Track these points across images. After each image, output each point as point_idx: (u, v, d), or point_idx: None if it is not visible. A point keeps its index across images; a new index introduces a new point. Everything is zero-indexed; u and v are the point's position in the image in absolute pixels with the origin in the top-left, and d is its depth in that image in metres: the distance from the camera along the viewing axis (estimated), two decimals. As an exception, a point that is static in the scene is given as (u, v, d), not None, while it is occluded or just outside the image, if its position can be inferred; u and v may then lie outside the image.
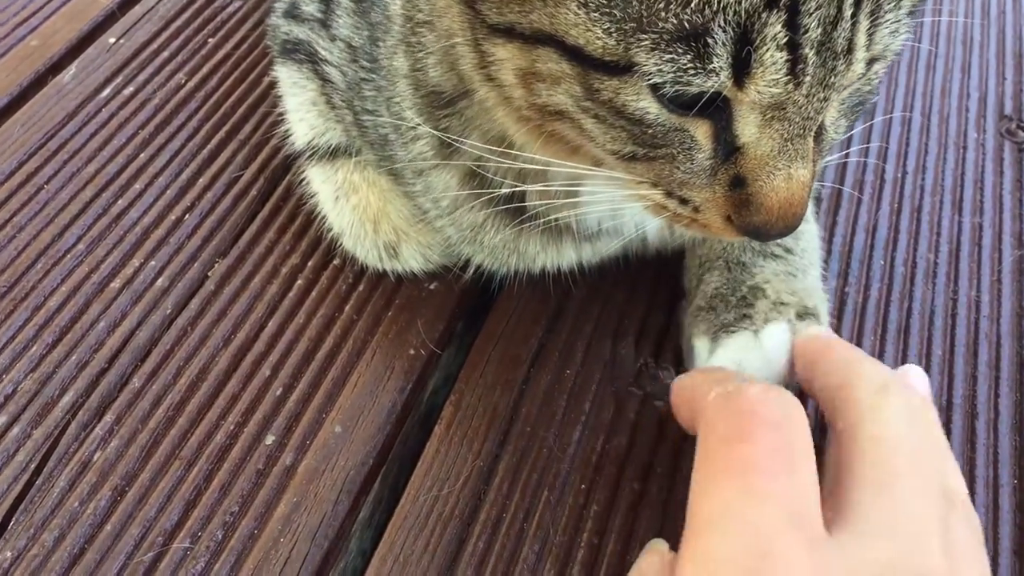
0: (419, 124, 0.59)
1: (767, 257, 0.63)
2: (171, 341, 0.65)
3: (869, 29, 0.42)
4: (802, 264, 0.65)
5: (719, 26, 0.39)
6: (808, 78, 0.41)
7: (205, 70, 0.85)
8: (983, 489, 0.60)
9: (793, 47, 0.40)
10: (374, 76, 0.64)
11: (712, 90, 0.41)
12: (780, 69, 0.40)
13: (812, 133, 0.44)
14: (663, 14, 0.40)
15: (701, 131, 0.45)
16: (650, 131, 0.45)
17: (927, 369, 0.66)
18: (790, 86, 0.41)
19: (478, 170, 0.59)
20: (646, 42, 0.40)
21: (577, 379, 0.64)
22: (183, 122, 0.80)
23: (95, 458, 0.59)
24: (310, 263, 0.70)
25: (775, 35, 0.39)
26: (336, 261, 0.70)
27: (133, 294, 0.67)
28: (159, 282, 0.68)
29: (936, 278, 0.72)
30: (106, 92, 0.82)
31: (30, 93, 0.82)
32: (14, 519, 0.56)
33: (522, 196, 0.59)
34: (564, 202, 0.56)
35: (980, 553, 0.46)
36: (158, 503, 0.57)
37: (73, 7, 0.90)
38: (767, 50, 0.40)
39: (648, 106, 0.43)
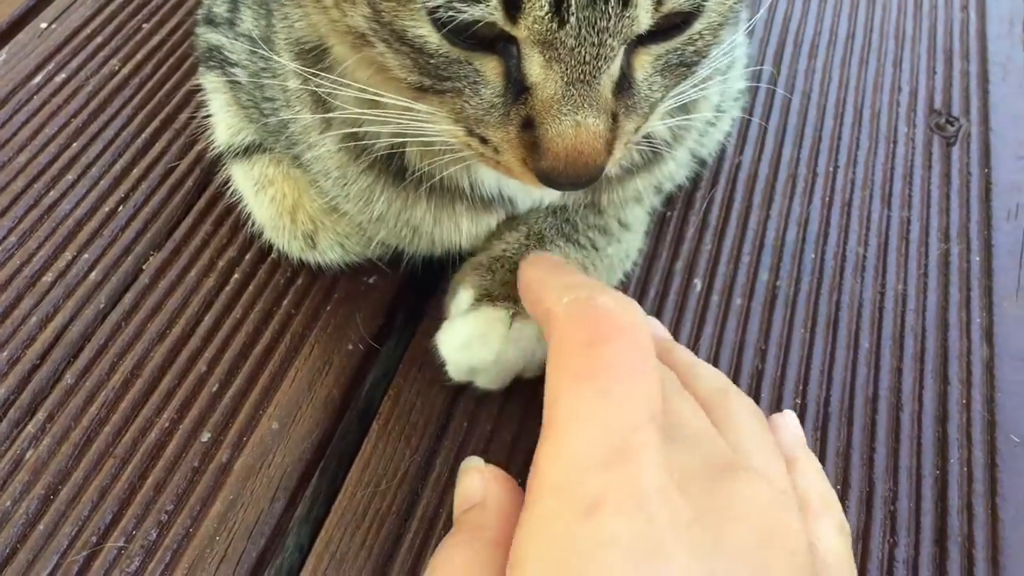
0: (297, 89, 0.59)
1: (570, 242, 0.64)
2: (105, 336, 0.64)
3: None
4: (602, 266, 0.66)
5: None
6: (573, 19, 0.41)
7: (139, 56, 0.83)
8: (906, 479, 0.62)
9: None
10: (269, 62, 0.63)
11: (484, 20, 0.41)
12: (543, 6, 0.40)
13: (598, 81, 0.44)
14: None
15: (489, 67, 0.45)
16: (433, 61, 0.45)
17: (854, 362, 0.68)
18: (554, 24, 0.41)
19: (354, 130, 0.58)
20: None
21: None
22: (117, 110, 0.79)
23: (27, 456, 0.58)
24: (247, 256, 0.70)
25: None
26: (274, 255, 0.70)
27: (66, 288, 0.67)
28: (92, 275, 0.67)
29: (865, 271, 0.73)
30: (38, 79, 0.80)
31: (-42, 79, 0.80)
32: (-57, 520, 0.56)
33: (403, 155, 0.58)
34: (448, 158, 0.55)
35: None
36: (92, 502, 0.57)
37: (2, -11, 0.88)
38: None
39: (427, 34, 0.43)
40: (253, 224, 0.70)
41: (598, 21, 0.41)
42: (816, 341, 0.69)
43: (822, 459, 0.62)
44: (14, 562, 0.54)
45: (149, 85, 0.81)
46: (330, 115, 0.58)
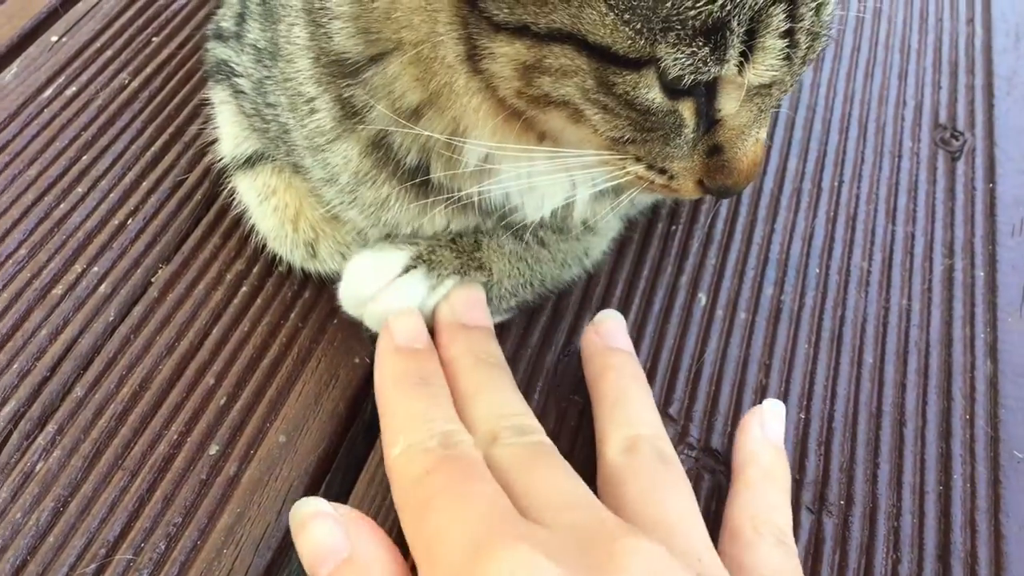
0: (318, 96, 0.60)
1: (515, 235, 0.66)
2: (114, 349, 0.65)
3: (831, 10, 0.48)
4: (549, 260, 0.68)
5: (736, 19, 0.43)
6: (799, 59, 0.47)
7: (149, 70, 0.84)
8: (909, 495, 0.63)
9: (789, 33, 0.45)
10: (274, 71, 0.65)
11: (719, 77, 0.46)
12: (779, 55, 0.46)
13: (774, 104, 0.51)
14: (691, 12, 0.43)
15: (687, 109, 0.49)
16: (653, 117, 0.49)
17: (857, 377, 0.68)
18: (784, 68, 0.47)
19: (382, 141, 0.60)
20: (671, 38, 0.44)
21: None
22: (127, 123, 0.79)
23: (37, 468, 0.59)
24: (255, 269, 0.70)
25: (778, 24, 0.45)
26: (281, 267, 0.70)
27: (75, 301, 0.67)
28: (102, 288, 0.68)
29: (869, 286, 0.74)
30: (48, 92, 0.81)
31: (-31, 93, 0.81)
32: (-45, 531, 0.56)
33: (427, 169, 0.60)
34: (472, 174, 0.59)
35: None
36: (101, 514, 0.57)
37: (13, 4, 0.89)
38: (770, 38, 0.45)
39: (656, 96, 0.47)
40: (257, 235, 0.70)
41: (807, 55, 0.48)
42: (820, 356, 0.69)
43: (825, 474, 0.63)
44: (24, 573, 0.55)
45: (158, 99, 0.82)
46: (360, 120, 0.59)
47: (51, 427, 0.61)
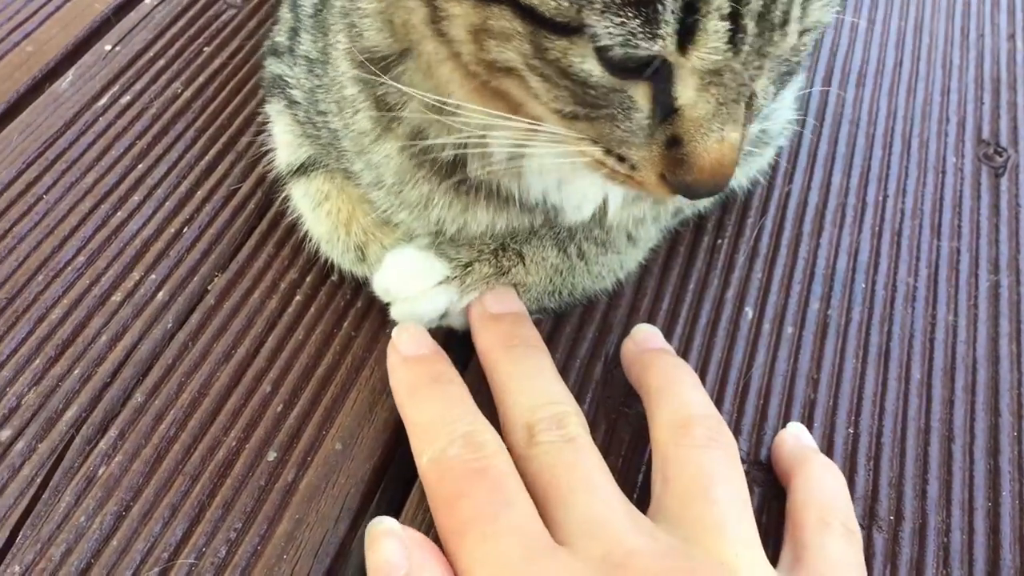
0: (358, 96, 0.62)
1: (558, 246, 0.67)
2: (172, 356, 0.66)
3: (803, 2, 0.44)
4: (586, 273, 0.69)
5: None
6: (746, 47, 0.44)
7: (201, 79, 0.85)
8: (958, 511, 0.63)
9: (735, 17, 0.42)
10: (324, 79, 0.67)
11: (657, 55, 0.44)
12: (722, 38, 0.43)
13: (746, 99, 0.47)
14: None
15: (640, 93, 0.47)
16: (593, 92, 0.47)
17: (905, 393, 0.69)
18: (729, 54, 0.43)
19: (418, 137, 0.61)
20: (597, 5, 0.43)
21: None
22: (180, 132, 0.81)
23: (100, 473, 0.60)
24: (308, 278, 0.72)
25: (719, 5, 0.42)
26: (334, 277, 0.71)
27: (134, 308, 0.68)
28: (160, 296, 0.69)
29: (915, 302, 0.74)
30: (103, 100, 0.82)
31: (27, 100, 0.82)
32: (21, 533, 0.57)
33: (464, 164, 0.61)
34: (507, 166, 0.59)
35: None
36: (163, 518, 0.59)
37: (68, 12, 0.91)
38: (711, 19, 0.42)
39: (592, 68, 0.45)
40: (310, 240, 0.72)
41: (763, 47, 0.44)
42: (868, 371, 0.70)
43: (875, 490, 0.63)
44: (88, 576, 0.56)
45: (211, 108, 0.83)
46: (395, 116, 0.60)
47: (112, 432, 0.62)
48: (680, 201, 0.68)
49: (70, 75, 0.84)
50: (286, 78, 0.73)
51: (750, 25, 0.43)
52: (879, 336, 0.72)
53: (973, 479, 0.65)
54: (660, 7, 0.41)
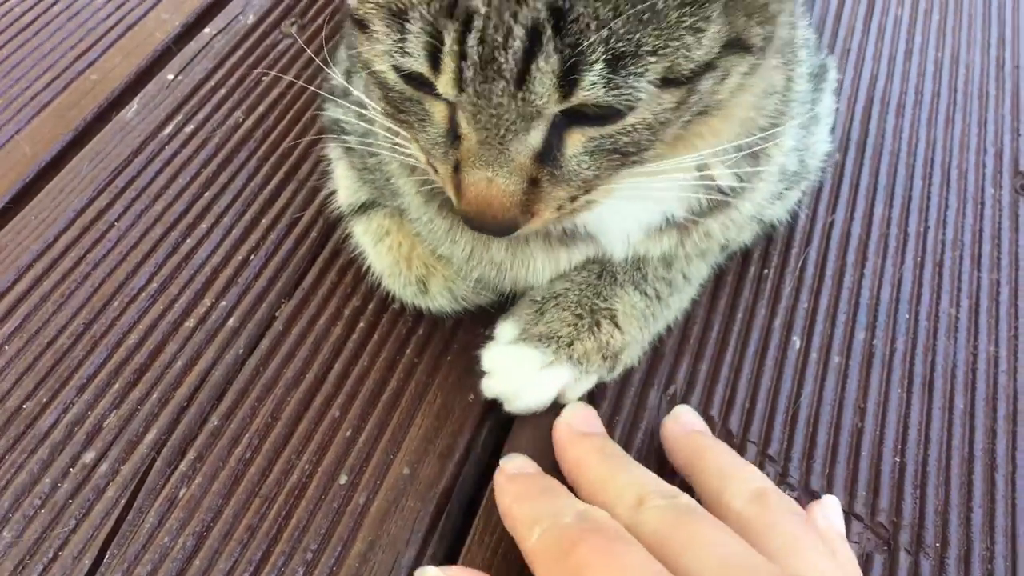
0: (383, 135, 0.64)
1: (638, 290, 0.69)
2: (245, 381, 0.69)
3: (561, 74, 0.44)
4: (662, 316, 0.71)
5: (415, 16, 0.44)
6: (470, 89, 0.46)
7: (261, 109, 0.88)
8: (1002, 539, 0.65)
9: (463, 57, 0.45)
10: (373, 124, 0.69)
11: (415, 72, 0.47)
12: (451, 76, 0.46)
13: (507, 147, 0.48)
14: None
15: (437, 109, 0.50)
16: (392, 94, 0.51)
17: (949, 423, 0.71)
18: (456, 92, 0.46)
19: (416, 173, 0.64)
20: (371, 7, 0.46)
21: (624, 426, 0.68)
22: (244, 161, 0.83)
23: (181, 494, 0.63)
24: (370, 305, 0.74)
25: (451, 44, 0.44)
26: (395, 304, 0.74)
27: (207, 333, 0.71)
28: (230, 322, 0.72)
29: (957, 332, 0.77)
30: (168, 129, 0.85)
31: (94, 129, 0.85)
32: (109, 552, 0.60)
33: None
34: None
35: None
36: (242, 540, 0.61)
37: (129, 41, 0.94)
38: (446, 54, 0.45)
39: (387, 71, 0.49)
40: (372, 274, 0.74)
41: (492, 97, 0.46)
42: (913, 401, 0.72)
43: (921, 517, 0.66)
44: (173, 595, 0.59)
45: (272, 137, 0.86)
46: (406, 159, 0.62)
47: (191, 455, 0.65)
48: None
49: (135, 104, 0.88)
50: (341, 122, 0.76)
51: (469, 74, 0.45)
52: (923, 366, 0.74)
53: (1016, 507, 0.67)
54: (410, 27, 0.45)
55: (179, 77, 0.90)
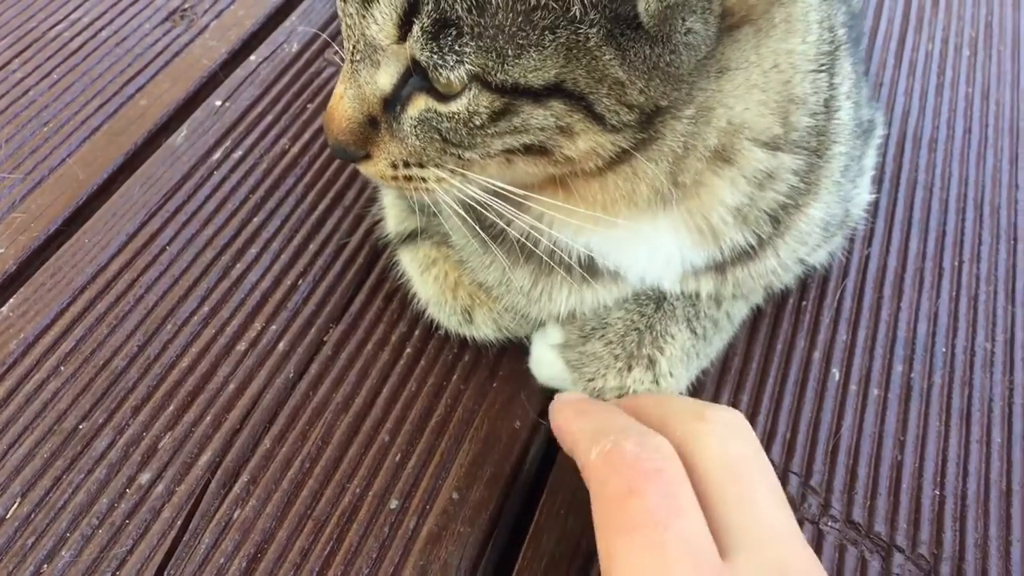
0: None
1: (690, 327, 0.70)
2: (295, 404, 0.70)
3: (400, 13, 0.49)
4: (704, 354, 0.73)
5: None
6: None
7: (307, 136, 0.90)
8: (1043, 573, 0.66)
9: None
10: None
11: None
12: None
13: (358, 71, 0.54)
14: None
15: None
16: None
17: (987, 456, 0.72)
18: None
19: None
20: None
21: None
22: (290, 187, 0.85)
23: (235, 516, 0.64)
24: (417, 332, 0.76)
25: None
26: (440, 331, 0.75)
27: (258, 357, 0.73)
28: (280, 346, 0.73)
29: (993, 367, 0.78)
30: (217, 155, 0.87)
31: (144, 153, 0.87)
32: (166, 573, 0.61)
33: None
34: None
35: None
36: (295, 563, 0.62)
37: (177, 67, 0.96)
38: None
39: None
40: (418, 301, 0.76)
41: (348, 4, 0.52)
42: (951, 434, 0.73)
43: (961, 551, 0.67)
44: (229, 615, 0.60)
45: (317, 164, 0.87)
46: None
47: (245, 477, 0.66)
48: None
49: (184, 129, 0.89)
50: None
51: None
52: (960, 400, 0.75)
53: (1055, 542, 0.68)
54: None
55: (226, 103, 0.92)
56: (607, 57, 0.49)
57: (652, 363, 0.69)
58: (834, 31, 0.64)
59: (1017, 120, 1.01)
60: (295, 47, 0.98)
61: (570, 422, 0.61)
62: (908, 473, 0.70)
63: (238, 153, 0.88)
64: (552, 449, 0.70)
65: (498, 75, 0.49)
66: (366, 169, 0.58)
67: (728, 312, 0.73)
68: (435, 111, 0.53)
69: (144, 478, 0.65)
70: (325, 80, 0.96)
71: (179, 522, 0.64)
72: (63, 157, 0.86)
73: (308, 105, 0.93)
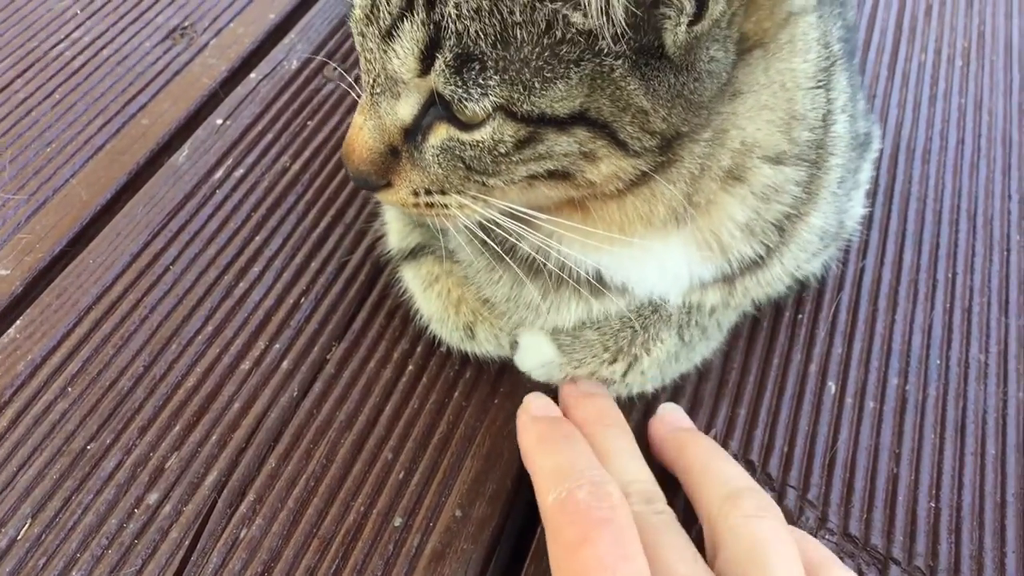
0: None
1: (679, 334, 0.72)
2: (300, 423, 0.71)
3: (422, 47, 0.50)
4: (686, 360, 0.74)
5: None
6: (359, 26, 0.53)
7: (307, 154, 0.91)
8: (1036, 583, 0.67)
9: None
10: None
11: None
12: (357, 10, 0.54)
13: (379, 102, 0.55)
14: None
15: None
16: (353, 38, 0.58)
17: (982, 468, 0.73)
18: (355, 27, 0.54)
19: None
20: None
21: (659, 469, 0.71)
22: (292, 205, 0.86)
23: (242, 535, 0.65)
24: (418, 348, 0.77)
25: None
26: (442, 348, 0.76)
27: (262, 376, 0.74)
28: (284, 365, 0.74)
29: (987, 379, 0.79)
30: (219, 174, 0.88)
31: (147, 173, 0.88)
32: (175, 592, 0.62)
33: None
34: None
35: None
36: (303, 580, 0.63)
37: (177, 86, 0.97)
38: None
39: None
40: (420, 318, 0.77)
41: (368, 39, 0.53)
42: (946, 446, 0.74)
43: (957, 562, 0.68)
44: (237, 633, 0.61)
45: (318, 182, 0.88)
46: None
47: (251, 496, 0.67)
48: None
49: (186, 148, 0.90)
50: None
51: (360, 13, 0.53)
52: (955, 412, 0.76)
53: (1049, 552, 0.69)
54: None
55: (227, 122, 0.93)
56: (632, 87, 0.50)
57: (635, 360, 0.71)
58: (830, 47, 0.65)
59: (1010, 130, 1.02)
60: (294, 64, 0.99)
61: (532, 452, 0.65)
62: (904, 485, 0.71)
63: (240, 171, 0.88)
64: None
65: (523, 106, 0.50)
66: (387, 197, 0.59)
67: (719, 321, 0.74)
68: (458, 140, 0.54)
69: (152, 498, 0.66)
70: (324, 97, 0.97)
71: (187, 542, 0.65)
72: (66, 177, 0.87)
73: (308, 123, 0.94)
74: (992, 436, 0.75)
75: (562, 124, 0.51)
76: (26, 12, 1.02)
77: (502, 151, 0.53)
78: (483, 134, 0.53)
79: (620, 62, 0.49)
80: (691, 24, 0.48)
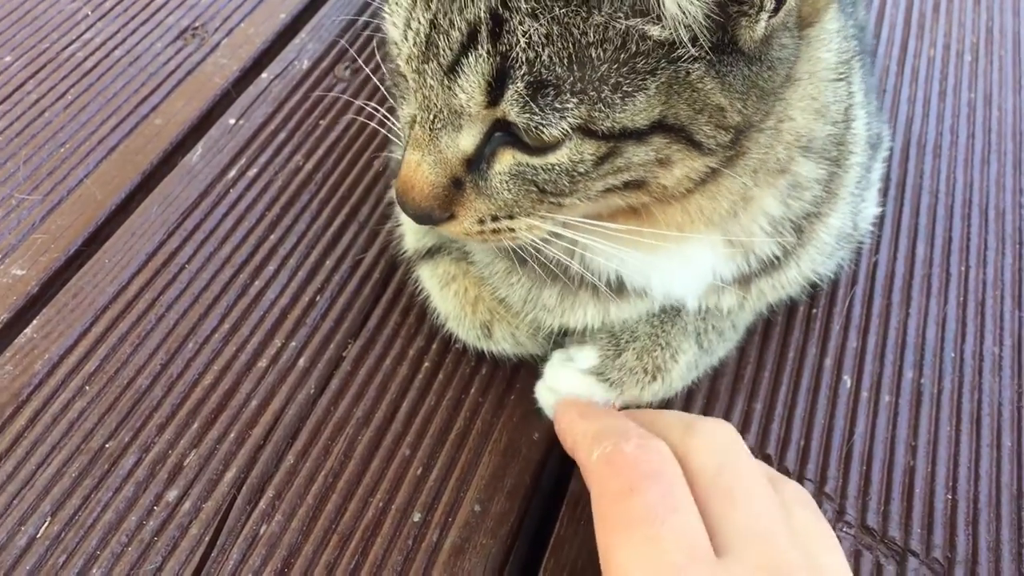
0: None
1: (697, 341, 0.72)
2: (317, 420, 0.71)
3: (488, 79, 0.49)
4: (704, 364, 0.74)
5: None
6: (414, 64, 0.51)
7: (320, 152, 0.91)
8: (1055, 574, 0.67)
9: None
10: None
11: (394, 39, 0.54)
12: (408, 49, 0.52)
13: (437, 137, 0.53)
14: None
15: (409, 90, 0.55)
16: (391, 66, 0.58)
17: (998, 460, 0.73)
18: (408, 65, 0.52)
19: None
20: None
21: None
22: (305, 204, 0.86)
23: (261, 531, 0.65)
24: (434, 346, 0.77)
25: (416, 15, 0.51)
26: (458, 345, 0.77)
27: (279, 374, 0.74)
28: (301, 362, 0.75)
29: (1002, 371, 0.79)
30: (232, 173, 0.88)
31: (161, 172, 0.88)
32: (196, 589, 0.63)
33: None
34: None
35: (821, 524, 0.58)
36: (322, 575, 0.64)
37: (190, 85, 0.97)
38: (410, 26, 0.52)
39: (388, 39, 0.55)
40: (437, 316, 0.77)
41: (427, 77, 0.51)
42: (962, 439, 0.74)
43: (975, 554, 0.68)
44: (258, 629, 0.61)
45: (331, 180, 0.89)
46: None
47: (270, 492, 0.67)
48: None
49: (199, 148, 0.91)
50: None
51: (416, 51, 0.51)
52: (970, 404, 0.76)
53: (1067, 544, 0.69)
54: (400, 3, 0.52)
55: (240, 121, 0.93)
56: (708, 87, 0.50)
57: (667, 374, 0.70)
58: (848, 41, 0.65)
59: (1020, 125, 1.02)
60: (305, 64, 1.00)
61: (573, 424, 0.64)
62: (920, 478, 0.71)
63: (253, 171, 0.89)
64: (571, 459, 0.71)
65: (605, 123, 0.49)
66: (450, 229, 0.57)
67: (734, 323, 0.74)
68: (528, 164, 0.53)
69: (171, 495, 0.67)
70: (335, 98, 0.97)
71: (207, 538, 0.65)
72: (80, 177, 0.87)
73: (320, 121, 0.94)
74: (1008, 428, 0.75)
75: (641, 135, 0.51)
76: (37, 14, 1.03)
77: (581, 170, 0.52)
78: (559, 156, 0.52)
79: (696, 65, 0.49)
80: (770, 17, 0.48)
